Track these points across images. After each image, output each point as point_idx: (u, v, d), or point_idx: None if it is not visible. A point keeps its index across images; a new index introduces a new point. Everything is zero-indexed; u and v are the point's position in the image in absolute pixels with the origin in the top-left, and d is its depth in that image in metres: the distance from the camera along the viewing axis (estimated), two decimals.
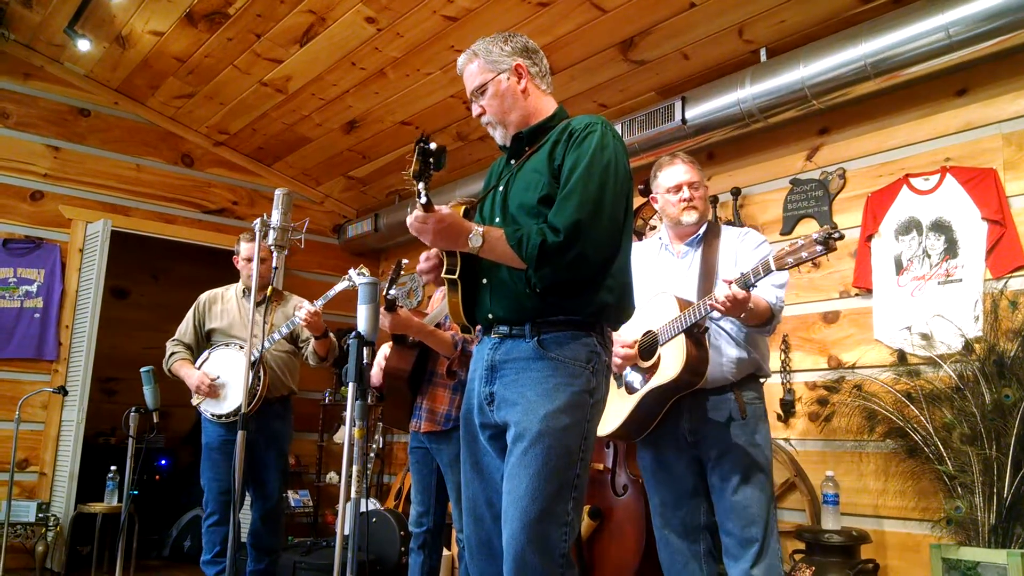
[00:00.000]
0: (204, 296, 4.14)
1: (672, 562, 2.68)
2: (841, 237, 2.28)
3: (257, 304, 3.99)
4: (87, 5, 4.76)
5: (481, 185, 2.46)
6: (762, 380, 2.75)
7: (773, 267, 2.36)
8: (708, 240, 2.78)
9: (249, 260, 3.73)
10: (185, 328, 4.08)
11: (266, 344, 3.81)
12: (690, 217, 2.76)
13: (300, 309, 3.72)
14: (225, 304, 4.10)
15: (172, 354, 4.04)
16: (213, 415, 3.89)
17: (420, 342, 3.21)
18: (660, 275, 2.80)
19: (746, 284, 2.41)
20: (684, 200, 2.76)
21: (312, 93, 5.21)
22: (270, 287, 4.07)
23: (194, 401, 3.96)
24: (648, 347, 2.66)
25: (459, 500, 3.02)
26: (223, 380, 3.89)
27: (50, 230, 5.52)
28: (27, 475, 5.21)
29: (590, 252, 1.97)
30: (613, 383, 2.74)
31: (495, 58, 2.17)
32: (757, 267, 2.41)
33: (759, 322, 2.56)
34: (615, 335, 2.66)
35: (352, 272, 3.72)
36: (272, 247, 2.96)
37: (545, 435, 1.93)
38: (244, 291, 4.07)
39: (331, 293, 3.82)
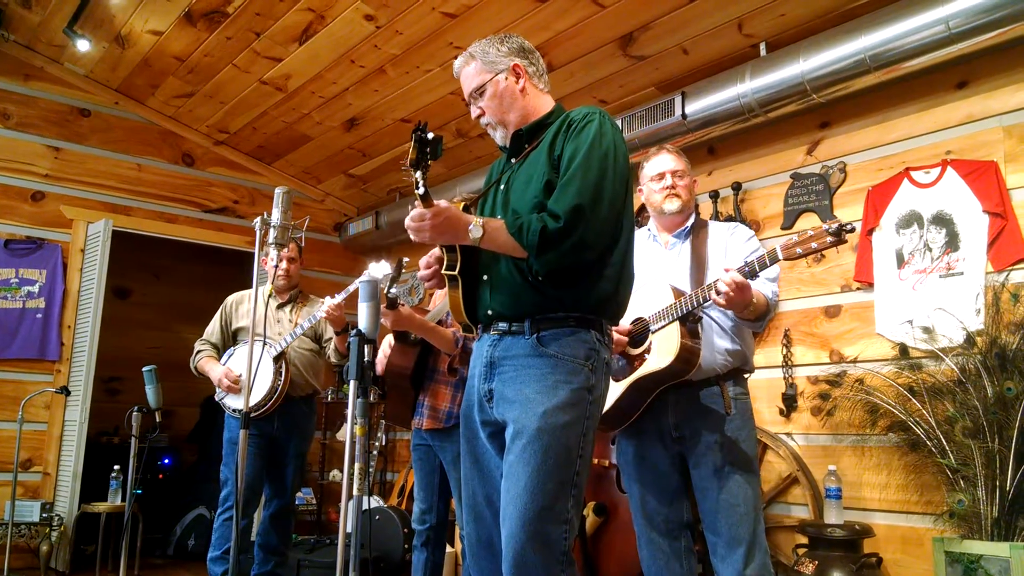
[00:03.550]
0: (231, 297, 4.20)
1: (653, 560, 2.63)
2: (853, 230, 2.25)
3: (281, 305, 4.04)
4: (86, 5, 4.75)
5: (481, 183, 2.45)
6: (746, 376, 2.72)
7: (780, 255, 2.31)
8: (696, 233, 2.75)
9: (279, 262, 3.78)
10: (212, 328, 4.15)
11: (288, 339, 3.85)
12: (672, 205, 2.74)
13: (323, 304, 3.75)
14: (251, 304, 4.12)
15: (198, 352, 4.10)
16: (234, 410, 3.95)
17: (422, 339, 3.22)
18: (651, 265, 2.76)
19: (752, 272, 2.37)
20: (667, 188, 2.74)
21: (312, 91, 5.21)
22: (296, 288, 4.10)
23: (217, 396, 4.02)
24: (639, 335, 2.63)
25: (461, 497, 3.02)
26: (246, 378, 3.92)
27: (51, 230, 5.52)
28: (31, 475, 5.22)
29: (591, 237, 1.96)
30: None
31: (492, 59, 2.17)
32: (763, 256, 2.36)
33: (756, 316, 2.52)
34: None
35: (372, 265, 3.71)
36: (272, 244, 2.97)
37: (544, 432, 1.92)
38: (271, 292, 4.10)
39: (352, 287, 3.81)
